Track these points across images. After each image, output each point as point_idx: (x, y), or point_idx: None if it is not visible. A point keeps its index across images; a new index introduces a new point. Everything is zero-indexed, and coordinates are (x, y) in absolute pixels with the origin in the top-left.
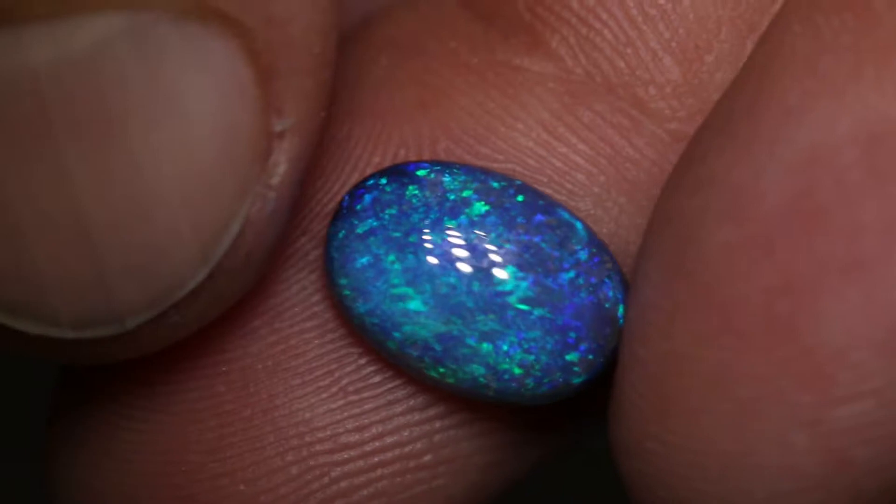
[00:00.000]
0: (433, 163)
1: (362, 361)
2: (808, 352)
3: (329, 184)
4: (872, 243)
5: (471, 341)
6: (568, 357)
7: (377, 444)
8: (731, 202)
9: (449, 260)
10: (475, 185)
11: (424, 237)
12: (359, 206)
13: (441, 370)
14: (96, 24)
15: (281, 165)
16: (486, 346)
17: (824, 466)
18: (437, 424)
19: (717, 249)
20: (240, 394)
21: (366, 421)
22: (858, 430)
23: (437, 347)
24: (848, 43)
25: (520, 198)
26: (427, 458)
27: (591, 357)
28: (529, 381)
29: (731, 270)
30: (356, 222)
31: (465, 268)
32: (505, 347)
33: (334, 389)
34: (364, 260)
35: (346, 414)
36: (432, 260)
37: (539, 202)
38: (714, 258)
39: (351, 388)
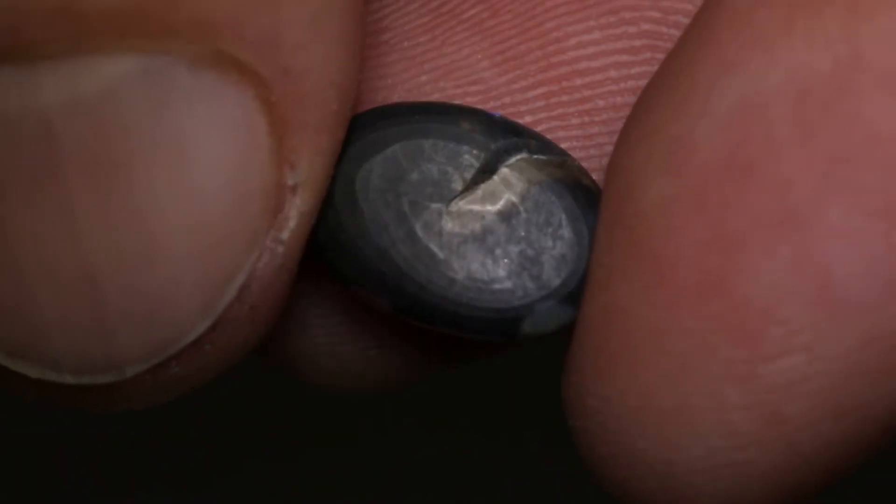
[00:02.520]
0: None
1: None
2: (738, 307)
3: None
4: (800, 198)
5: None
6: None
7: None
8: (667, 155)
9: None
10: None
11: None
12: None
13: None
14: (110, 66)
15: (292, 220)
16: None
17: (757, 423)
18: None
19: (653, 203)
20: None
21: None
22: (789, 385)
23: None
24: None
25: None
26: None
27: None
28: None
29: (665, 224)
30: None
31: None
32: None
33: None
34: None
35: None
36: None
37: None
38: (650, 211)
39: None
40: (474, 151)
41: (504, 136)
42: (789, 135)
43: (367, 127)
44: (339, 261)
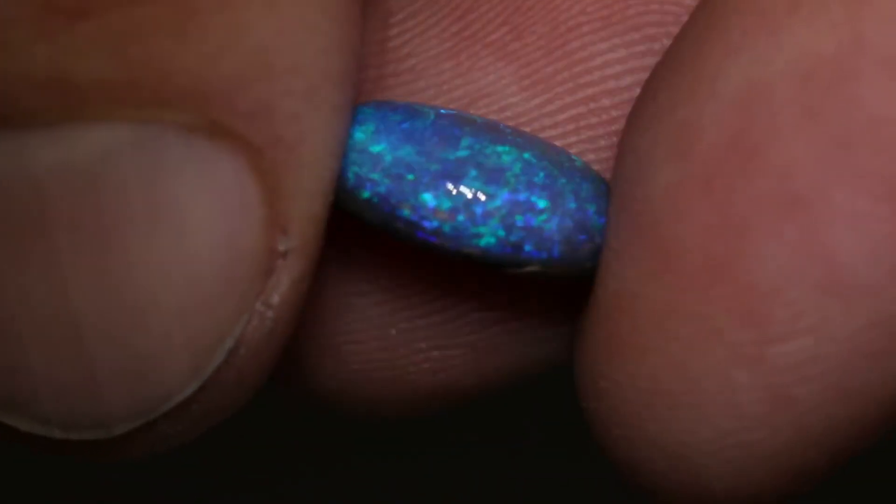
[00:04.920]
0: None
1: None
2: (745, 290)
3: None
4: (805, 181)
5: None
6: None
7: None
8: (674, 140)
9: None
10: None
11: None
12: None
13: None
14: (102, 133)
15: (283, 285)
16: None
17: (766, 404)
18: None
19: (661, 187)
20: None
21: None
22: (798, 367)
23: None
24: None
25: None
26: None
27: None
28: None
29: (673, 208)
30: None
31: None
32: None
33: None
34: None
35: None
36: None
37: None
38: (658, 196)
39: None
40: None
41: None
42: (793, 119)
43: None
44: None
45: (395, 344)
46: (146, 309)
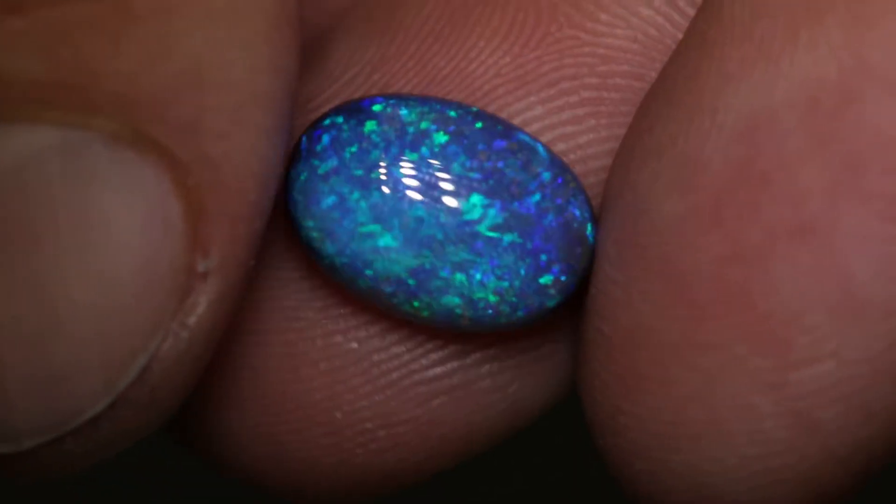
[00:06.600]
0: (388, 96)
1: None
2: (763, 318)
3: (447, 48)
4: (817, 207)
5: (444, 273)
6: (542, 280)
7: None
8: (677, 173)
9: (414, 193)
10: (432, 115)
11: (387, 172)
12: (318, 147)
13: (415, 304)
14: (27, 136)
15: (200, 306)
16: (459, 277)
17: (791, 429)
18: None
19: (667, 221)
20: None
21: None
22: (821, 391)
23: (411, 282)
24: (782, 6)
25: (478, 125)
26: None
27: (563, 278)
28: (505, 308)
29: (681, 241)
30: (317, 163)
31: (430, 199)
32: (478, 276)
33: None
34: (329, 200)
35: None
36: (397, 194)
37: (497, 127)
38: (665, 230)
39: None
40: None
41: None
42: (800, 145)
43: None
44: None
45: (341, 427)
46: (59, 323)
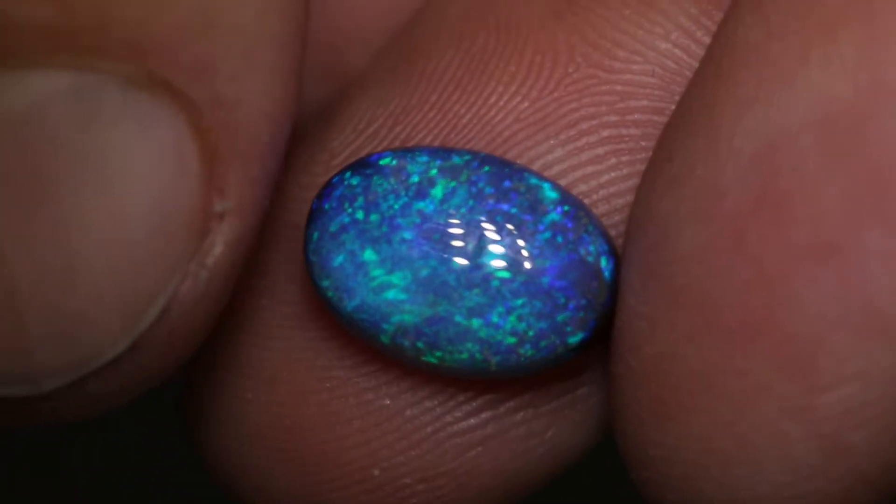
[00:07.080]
0: (395, 150)
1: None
2: (787, 341)
3: (467, 96)
4: (838, 227)
5: (460, 319)
6: (559, 317)
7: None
8: (698, 201)
9: (424, 242)
10: (438, 163)
11: (395, 224)
12: (328, 205)
13: (437, 354)
14: (40, 80)
15: (217, 247)
16: (475, 322)
17: (821, 453)
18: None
19: (689, 249)
20: None
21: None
22: (849, 414)
23: (428, 331)
24: (795, 27)
25: (486, 168)
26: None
27: (581, 314)
28: (526, 349)
29: (704, 269)
30: (327, 221)
31: (440, 247)
32: (494, 319)
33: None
34: (341, 258)
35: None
36: (406, 245)
37: (505, 170)
38: (687, 258)
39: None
40: None
41: None
42: (818, 166)
43: None
44: None
45: (380, 484)
46: (78, 264)
